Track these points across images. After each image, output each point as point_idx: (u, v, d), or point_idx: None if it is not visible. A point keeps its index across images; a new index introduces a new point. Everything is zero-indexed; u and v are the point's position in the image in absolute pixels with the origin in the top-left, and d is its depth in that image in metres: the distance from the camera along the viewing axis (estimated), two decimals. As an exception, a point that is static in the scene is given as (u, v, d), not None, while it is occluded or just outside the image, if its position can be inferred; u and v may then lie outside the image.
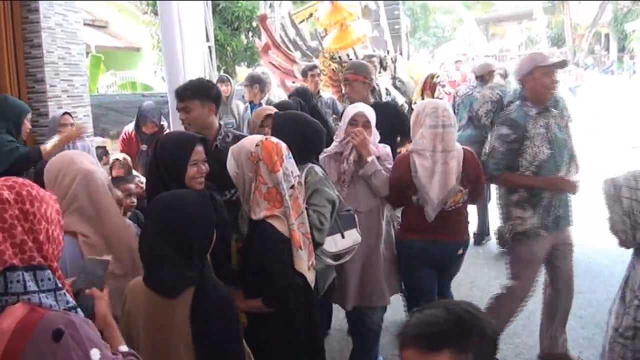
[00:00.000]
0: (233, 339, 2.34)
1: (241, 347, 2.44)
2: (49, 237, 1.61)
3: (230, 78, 8.07)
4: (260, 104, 7.04)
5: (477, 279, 5.87)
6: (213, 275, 2.39)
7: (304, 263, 2.75)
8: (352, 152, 3.72)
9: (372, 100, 4.77)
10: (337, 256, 3.39)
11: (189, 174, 2.81)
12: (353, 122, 3.79)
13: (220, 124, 3.72)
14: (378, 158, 3.78)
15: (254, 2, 15.53)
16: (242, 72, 12.79)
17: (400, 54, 10.09)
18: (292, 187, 2.81)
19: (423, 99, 7.70)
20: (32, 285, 1.53)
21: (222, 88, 7.68)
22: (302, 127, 3.34)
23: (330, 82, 8.64)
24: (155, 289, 2.23)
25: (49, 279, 1.57)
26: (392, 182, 3.75)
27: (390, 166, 3.82)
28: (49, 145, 4.62)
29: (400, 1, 14.90)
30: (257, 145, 2.79)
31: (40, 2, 5.68)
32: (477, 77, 7.25)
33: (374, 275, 3.82)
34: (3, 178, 1.63)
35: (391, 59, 9.29)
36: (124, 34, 20.48)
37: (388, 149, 3.96)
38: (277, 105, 5.07)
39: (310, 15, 11.00)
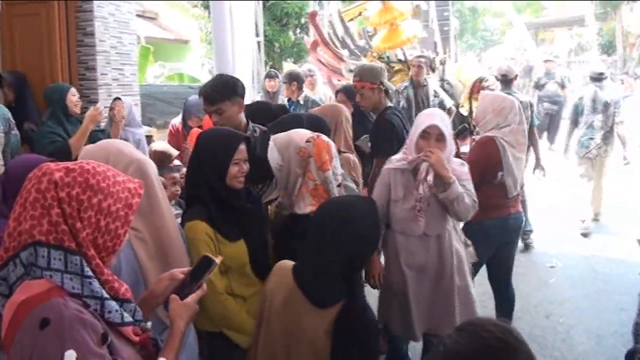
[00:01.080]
0: None
1: None
2: (98, 227, 1.60)
3: (278, 74, 8.08)
4: (298, 101, 7.03)
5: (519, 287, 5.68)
6: (364, 294, 2.44)
7: None
8: (428, 173, 3.26)
9: (388, 103, 4.54)
10: None
11: (230, 173, 2.71)
12: (424, 134, 3.31)
13: (247, 120, 3.69)
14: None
15: (304, 0, 15.53)
16: (289, 68, 12.78)
17: (449, 56, 9.99)
18: (339, 185, 2.85)
19: (471, 103, 7.60)
20: (57, 264, 1.54)
21: (270, 83, 7.73)
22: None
23: (378, 82, 8.59)
24: (309, 295, 2.15)
25: (76, 264, 1.56)
26: (481, 162, 3.94)
27: (469, 186, 3.39)
28: (73, 138, 4.71)
29: (450, 2, 14.70)
30: (308, 141, 2.82)
31: (94, -9, 5.76)
32: (500, 80, 7.07)
33: (444, 303, 3.44)
34: (85, 161, 1.67)
35: (440, 61, 9.20)
36: (173, 26, 20.67)
37: (465, 167, 3.49)
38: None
39: (359, 13, 10.94)
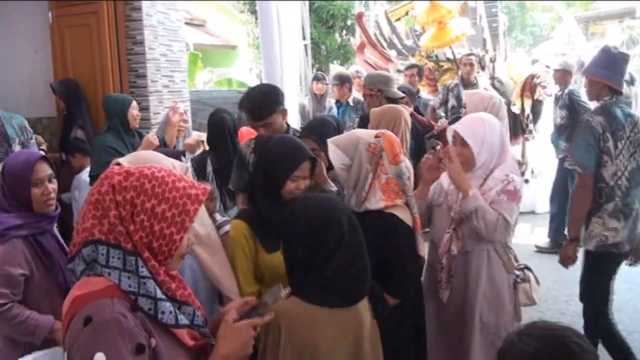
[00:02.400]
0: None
1: None
2: (152, 231, 1.62)
3: (325, 76, 8.06)
4: (348, 103, 6.97)
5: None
6: None
7: (422, 247, 2.85)
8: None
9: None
10: None
11: (287, 188, 2.62)
12: (453, 140, 3.21)
13: (287, 124, 3.69)
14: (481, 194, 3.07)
15: (349, 1, 15.47)
16: (336, 70, 12.76)
17: (498, 53, 9.79)
18: (408, 178, 2.86)
19: (523, 100, 7.46)
20: (115, 262, 1.60)
21: (317, 86, 7.71)
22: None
23: (427, 82, 8.51)
24: (343, 299, 2.12)
25: (132, 264, 1.61)
26: None
27: (506, 205, 3.03)
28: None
29: (498, -1, 14.42)
30: (377, 136, 2.83)
31: (143, 1, 5.83)
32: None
33: (461, 335, 3.19)
34: (147, 166, 1.71)
35: (490, 58, 9.05)
36: (220, 32, 20.88)
37: (511, 185, 3.07)
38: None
39: (406, 13, 10.86)
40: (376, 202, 2.77)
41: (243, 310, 1.84)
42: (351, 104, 6.93)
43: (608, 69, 3.85)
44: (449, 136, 3.25)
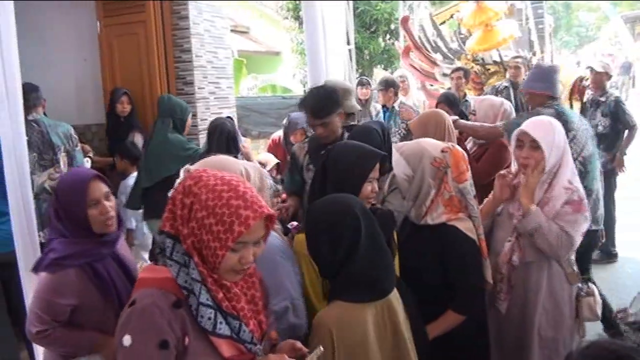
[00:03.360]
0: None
1: None
2: (201, 240, 1.67)
3: (370, 81, 8.00)
4: (394, 107, 6.88)
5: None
6: None
7: (490, 273, 2.75)
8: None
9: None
10: None
11: (364, 191, 2.49)
12: (519, 143, 3.04)
13: (344, 127, 3.73)
14: (545, 202, 2.94)
15: (393, 4, 15.37)
16: (380, 74, 12.69)
17: (544, 55, 9.61)
18: (474, 197, 2.75)
19: (571, 103, 7.28)
20: (177, 257, 1.69)
21: (362, 91, 7.65)
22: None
23: (473, 86, 8.38)
24: (376, 292, 2.18)
25: (187, 263, 1.68)
26: (498, 169, 3.62)
27: (573, 222, 2.89)
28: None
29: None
30: (443, 151, 2.70)
31: (190, 9, 5.89)
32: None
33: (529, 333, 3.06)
34: (214, 174, 1.74)
35: (537, 60, 8.88)
36: (264, 39, 21.00)
37: (581, 189, 3.00)
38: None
39: (451, 16, 10.75)
40: (438, 216, 2.67)
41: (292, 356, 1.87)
42: (397, 108, 6.82)
43: (545, 81, 4.28)
44: (514, 140, 3.08)
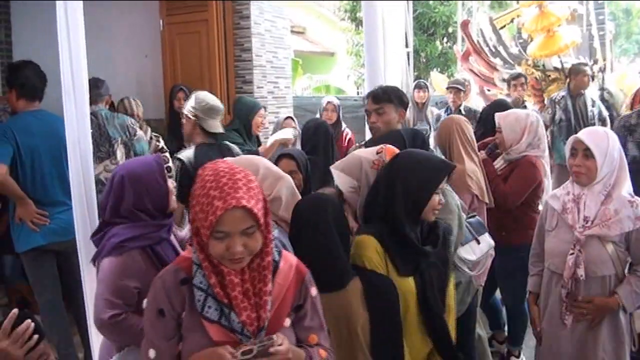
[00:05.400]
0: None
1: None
2: (194, 225, 1.80)
3: (427, 84, 7.92)
4: (460, 111, 6.77)
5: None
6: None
7: None
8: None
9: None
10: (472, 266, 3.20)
11: (432, 203, 2.46)
12: (573, 151, 2.98)
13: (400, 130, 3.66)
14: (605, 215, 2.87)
15: (452, 7, 15.21)
16: (437, 78, 12.56)
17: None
18: None
19: (634, 113, 7.04)
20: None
21: (419, 94, 7.58)
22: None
23: (533, 92, 8.21)
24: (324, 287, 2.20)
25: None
26: (530, 186, 3.79)
27: None
28: (261, 148, 4.80)
29: (605, 2, 13.73)
30: (378, 152, 2.78)
31: (251, 9, 5.93)
32: None
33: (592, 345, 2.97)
34: (220, 164, 1.81)
35: (599, 68, 8.63)
36: (319, 39, 21.08)
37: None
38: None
39: (511, 20, 10.54)
40: None
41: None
42: (463, 112, 6.69)
43: None
44: (567, 149, 3.01)
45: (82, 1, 3.25)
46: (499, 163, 4.09)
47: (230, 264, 1.76)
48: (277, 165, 3.28)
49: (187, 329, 1.82)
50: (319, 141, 4.46)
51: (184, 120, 4.07)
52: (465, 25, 9.32)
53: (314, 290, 1.98)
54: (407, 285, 2.41)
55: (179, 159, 3.82)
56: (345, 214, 2.56)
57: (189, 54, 6.15)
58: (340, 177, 2.81)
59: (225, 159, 2.31)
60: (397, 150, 2.78)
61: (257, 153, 4.49)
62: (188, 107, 3.98)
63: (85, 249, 3.28)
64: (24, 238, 3.94)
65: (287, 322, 1.89)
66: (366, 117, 3.80)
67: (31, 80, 4.00)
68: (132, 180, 2.60)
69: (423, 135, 3.48)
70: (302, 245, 2.29)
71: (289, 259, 1.96)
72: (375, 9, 5.34)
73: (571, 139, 3.02)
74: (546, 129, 6.59)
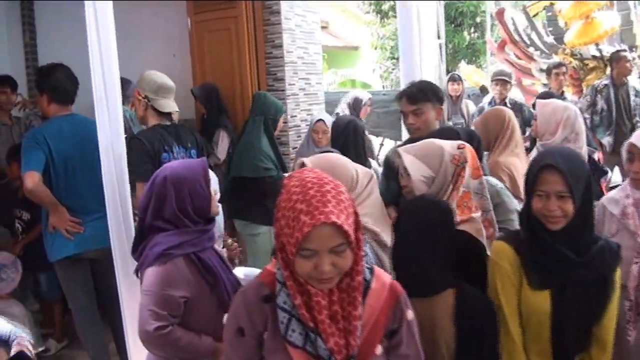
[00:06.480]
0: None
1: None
2: (282, 244, 1.63)
3: (461, 77, 7.72)
4: (505, 104, 6.52)
5: None
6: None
7: None
8: None
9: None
10: None
11: (533, 206, 2.18)
12: (630, 156, 2.80)
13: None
14: None
15: (480, -1, 15.00)
16: (465, 70, 12.32)
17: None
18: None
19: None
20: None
21: (453, 87, 7.41)
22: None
23: (571, 82, 7.97)
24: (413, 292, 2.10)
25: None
26: None
27: None
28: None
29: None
30: (460, 147, 2.64)
31: (281, 4, 5.79)
32: None
33: None
34: (309, 174, 1.64)
35: (639, 55, 8.37)
36: (343, 33, 20.94)
37: None
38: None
39: (544, 8, 10.27)
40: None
41: None
42: (508, 105, 6.42)
43: None
44: (624, 154, 2.83)
45: (111, 1, 3.15)
46: (533, 154, 3.94)
47: (317, 283, 1.58)
48: None
49: (269, 351, 1.67)
50: (349, 138, 4.35)
51: (136, 104, 3.92)
52: (500, 14, 9.08)
53: (410, 314, 1.77)
54: (540, 302, 2.15)
55: (138, 139, 3.69)
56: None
57: (218, 52, 6.00)
58: (415, 163, 2.63)
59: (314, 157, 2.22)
60: (474, 152, 2.70)
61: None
62: (137, 89, 3.85)
63: (120, 257, 3.23)
64: (58, 246, 3.84)
65: (379, 349, 1.69)
66: (402, 117, 3.62)
67: (63, 84, 3.90)
68: (174, 181, 2.51)
69: (479, 137, 3.25)
70: (404, 245, 2.17)
71: (382, 278, 1.77)
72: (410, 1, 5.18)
73: (626, 143, 2.83)
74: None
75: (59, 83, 3.88)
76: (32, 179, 3.61)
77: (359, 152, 4.26)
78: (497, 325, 2.17)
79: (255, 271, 3.14)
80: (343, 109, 6.58)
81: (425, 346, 2.00)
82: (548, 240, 2.14)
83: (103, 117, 3.18)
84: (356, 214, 1.62)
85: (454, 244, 2.21)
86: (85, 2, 3.07)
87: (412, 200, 2.41)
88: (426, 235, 2.13)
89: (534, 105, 5.30)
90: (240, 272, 2.94)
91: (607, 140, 6.73)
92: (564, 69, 6.88)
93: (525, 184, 2.26)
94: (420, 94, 3.41)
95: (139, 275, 2.57)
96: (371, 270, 1.75)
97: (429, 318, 2.12)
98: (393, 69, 17.25)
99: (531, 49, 8.86)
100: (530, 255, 2.18)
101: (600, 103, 6.82)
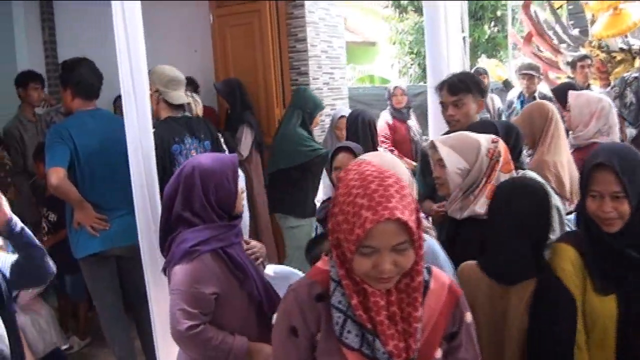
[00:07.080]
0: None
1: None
2: (338, 241, 1.57)
3: (487, 71, 7.61)
4: (534, 98, 6.39)
5: None
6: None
7: None
8: None
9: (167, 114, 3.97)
10: None
11: (589, 207, 2.06)
12: None
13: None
14: None
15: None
16: (487, 63, 12.16)
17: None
18: None
19: None
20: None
21: (478, 80, 7.27)
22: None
23: (598, 75, 7.79)
24: (497, 276, 2.23)
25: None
26: None
27: None
28: None
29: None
30: (494, 141, 2.64)
31: (305, -3, 5.74)
32: None
33: None
34: (367, 166, 1.56)
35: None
36: (361, 28, 20.83)
37: None
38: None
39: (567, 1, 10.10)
40: (481, 206, 2.57)
41: None
42: (538, 99, 6.31)
43: None
44: None
45: (139, 1, 3.10)
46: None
47: (375, 283, 1.50)
48: (335, 159, 3.27)
49: (322, 354, 1.58)
50: (358, 130, 4.44)
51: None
52: (526, 7, 8.90)
53: (469, 316, 1.69)
54: (606, 307, 2.03)
55: None
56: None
57: (240, 46, 5.94)
58: (450, 154, 2.61)
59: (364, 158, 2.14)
60: (506, 146, 2.69)
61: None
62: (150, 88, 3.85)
63: (149, 254, 3.18)
64: (83, 244, 3.78)
65: (439, 353, 1.61)
66: (442, 109, 3.53)
67: (87, 78, 3.84)
68: (202, 173, 2.48)
69: (518, 130, 3.14)
70: (498, 230, 2.24)
71: (441, 278, 1.69)
72: (437, -5, 5.10)
73: None
74: None
75: (83, 77, 3.83)
76: (57, 175, 3.56)
77: (367, 143, 4.29)
78: (576, 319, 2.06)
79: (286, 269, 3.07)
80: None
81: (495, 328, 2.12)
82: (607, 242, 2.03)
83: (131, 114, 3.13)
84: (417, 210, 1.53)
85: (547, 233, 2.24)
86: (112, 1, 3.03)
87: (509, 185, 2.40)
88: (523, 223, 2.17)
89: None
90: (270, 269, 2.89)
91: (629, 131, 6.59)
92: (588, 61, 6.77)
93: (579, 184, 2.17)
94: (462, 85, 3.36)
95: (167, 273, 2.52)
96: (429, 270, 1.67)
97: (501, 305, 2.18)
98: (412, 64, 17.12)
99: (556, 41, 8.69)
100: (592, 259, 2.08)
101: (630, 97, 6.66)
